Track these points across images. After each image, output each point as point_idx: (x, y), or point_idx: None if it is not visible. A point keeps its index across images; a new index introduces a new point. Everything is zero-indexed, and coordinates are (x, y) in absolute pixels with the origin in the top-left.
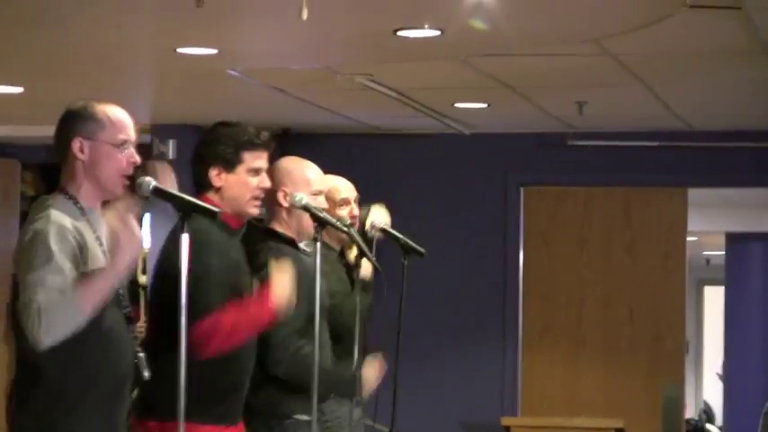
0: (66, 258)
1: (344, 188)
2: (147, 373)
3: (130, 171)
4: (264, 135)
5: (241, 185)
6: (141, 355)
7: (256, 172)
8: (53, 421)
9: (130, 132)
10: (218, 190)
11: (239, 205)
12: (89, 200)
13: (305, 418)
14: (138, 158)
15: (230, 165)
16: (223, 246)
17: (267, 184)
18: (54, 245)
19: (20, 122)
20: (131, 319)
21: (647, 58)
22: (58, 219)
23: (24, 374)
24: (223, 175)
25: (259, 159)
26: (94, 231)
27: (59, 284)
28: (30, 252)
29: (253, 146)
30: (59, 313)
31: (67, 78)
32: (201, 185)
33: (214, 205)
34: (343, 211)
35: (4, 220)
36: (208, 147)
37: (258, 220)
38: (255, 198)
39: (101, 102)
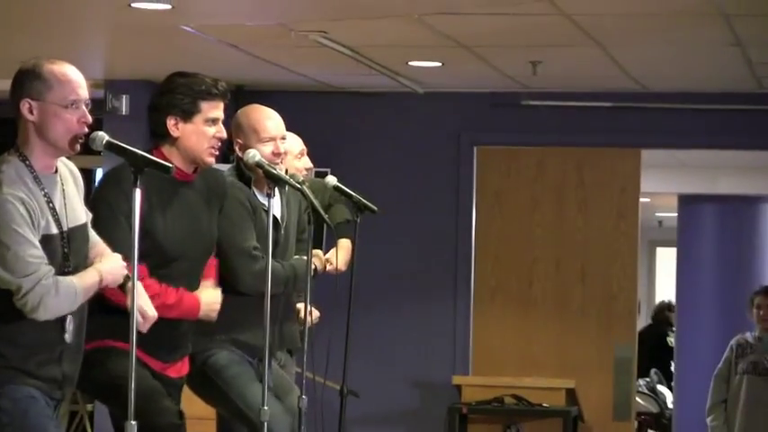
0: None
1: (298, 141)
2: (67, 338)
3: (83, 130)
4: (221, 85)
5: (198, 135)
6: (70, 317)
7: (213, 122)
8: None
9: (81, 92)
10: (174, 140)
11: (195, 154)
12: (43, 161)
13: None
14: (89, 118)
15: (187, 114)
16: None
17: (223, 134)
18: (18, 226)
19: None
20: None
21: (602, 18)
22: (11, 192)
23: None
24: (180, 125)
25: (216, 109)
26: (46, 196)
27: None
28: None
29: (210, 95)
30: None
31: (20, 32)
32: (158, 135)
33: (167, 158)
34: (302, 163)
35: None
36: (164, 96)
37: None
38: (212, 147)
39: (52, 60)
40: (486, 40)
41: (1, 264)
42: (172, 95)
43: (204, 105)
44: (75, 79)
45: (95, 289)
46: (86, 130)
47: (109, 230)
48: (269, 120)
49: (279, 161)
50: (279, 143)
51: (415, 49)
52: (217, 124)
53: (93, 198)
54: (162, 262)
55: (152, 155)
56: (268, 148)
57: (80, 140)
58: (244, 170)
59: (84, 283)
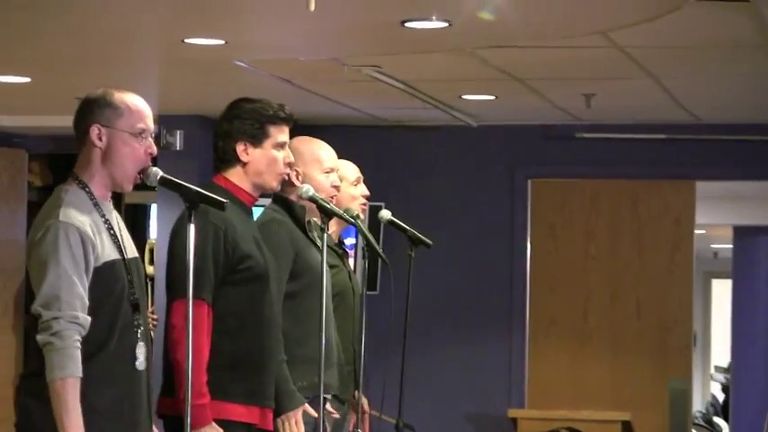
0: (75, 266)
1: (354, 168)
2: (139, 365)
3: (148, 162)
4: (287, 110)
5: (268, 159)
6: (141, 344)
7: (281, 146)
8: None
9: (149, 122)
10: (244, 165)
11: (264, 179)
12: (100, 189)
13: None
14: (155, 149)
15: (257, 139)
16: (245, 229)
17: (291, 158)
18: (64, 257)
19: (27, 113)
20: (138, 307)
21: (655, 50)
22: (66, 220)
23: (38, 366)
24: (250, 150)
25: (283, 133)
26: (106, 222)
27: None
28: (41, 255)
29: (278, 119)
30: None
31: (74, 69)
32: (225, 161)
33: (234, 184)
34: (358, 190)
35: (12, 211)
36: (233, 122)
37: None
38: (281, 173)
39: (120, 90)
40: (539, 72)
41: (36, 286)
42: (240, 121)
43: (272, 129)
44: (143, 109)
45: (58, 403)
46: (150, 162)
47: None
48: (327, 151)
49: (336, 193)
50: (335, 176)
51: (469, 83)
52: (284, 149)
53: (173, 243)
54: (258, 287)
55: (215, 182)
56: (330, 178)
57: (138, 177)
58: (296, 209)
59: (70, 391)
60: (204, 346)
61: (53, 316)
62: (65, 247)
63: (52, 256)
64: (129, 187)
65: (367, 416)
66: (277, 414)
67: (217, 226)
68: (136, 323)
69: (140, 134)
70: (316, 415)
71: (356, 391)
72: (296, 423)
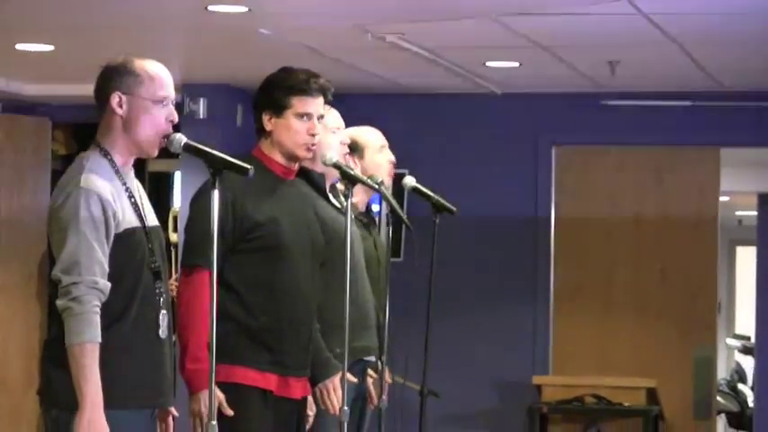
0: (95, 231)
1: (379, 135)
2: (162, 333)
3: (169, 129)
4: (317, 81)
5: (289, 130)
6: (164, 312)
7: (305, 117)
8: None
9: (170, 89)
10: (269, 135)
11: (288, 149)
12: (123, 157)
13: None
14: (176, 116)
15: (279, 109)
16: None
17: (317, 129)
18: (84, 223)
19: (51, 81)
20: (159, 275)
21: (680, 17)
22: (87, 186)
23: (60, 332)
24: (273, 120)
25: (308, 105)
26: (127, 190)
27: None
28: (62, 221)
29: (301, 91)
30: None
31: (98, 36)
32: (258, 131)
33: (267, 155)
34: (384, 157)
35: (35, 179)
36: (262, 92)
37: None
38: (305, 143)
39: (141, 57)
40: (564, 40)
41: (57, 252)
42: (268, 91)
43: (295, 101)
44: (164, 77)
45: (76, 369)
46: (171, 129)
47: (197, 236)
48: (331, 113)
49: (347, 152)
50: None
51: (493, 50)
52: (310, 120)
53: (188, 212)
54: (274, 257)
55: (252, 153)
56: (338, 137)
57: (163, 142)
58: (314, 177)
59: (88, 356)
60: (200, 311)
61: (72, 281)
62: (85, 212)
63: (72, 222)
64: (154, 152)
65: (387, 384)
66: (315, 383)
67: (225, 194)
68: (158, 291)
69: (161, 101)
70: (356, 380)
71: (381, 359)
72: (333, 390)
